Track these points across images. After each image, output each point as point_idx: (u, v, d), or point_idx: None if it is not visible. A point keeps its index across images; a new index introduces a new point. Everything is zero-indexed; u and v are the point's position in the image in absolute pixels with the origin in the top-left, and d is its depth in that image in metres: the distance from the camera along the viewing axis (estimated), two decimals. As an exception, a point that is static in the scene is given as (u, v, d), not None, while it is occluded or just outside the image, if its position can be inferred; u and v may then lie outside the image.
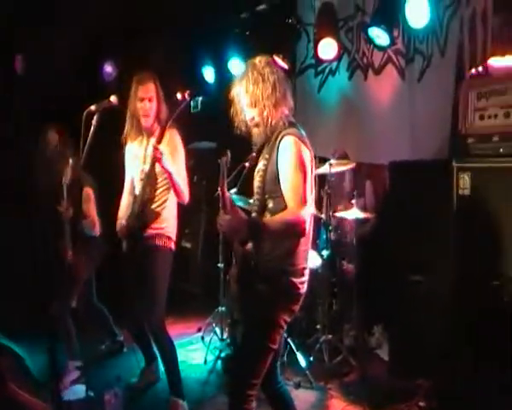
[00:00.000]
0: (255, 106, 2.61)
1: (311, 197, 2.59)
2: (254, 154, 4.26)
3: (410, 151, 4.57)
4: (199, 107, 4.48)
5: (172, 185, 3.56)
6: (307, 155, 2.55)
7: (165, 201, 3.66)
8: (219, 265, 4.72)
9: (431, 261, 3.77)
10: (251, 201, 2.73)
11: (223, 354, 4.40)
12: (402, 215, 4.11)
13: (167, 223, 3.67)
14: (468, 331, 3.31)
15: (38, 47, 5.27)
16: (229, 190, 4.53)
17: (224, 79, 5.74)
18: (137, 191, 3.68)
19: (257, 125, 2.64)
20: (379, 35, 4.48)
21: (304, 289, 2.62)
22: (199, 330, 5.05)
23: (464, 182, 3.52)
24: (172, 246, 3.69)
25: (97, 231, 4.28)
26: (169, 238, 3.67)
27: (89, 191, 4.24)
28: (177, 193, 3.59)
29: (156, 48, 5.74)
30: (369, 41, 4.65)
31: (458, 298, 3.45)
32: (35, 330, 4.10)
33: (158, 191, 3.64)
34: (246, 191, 3.67)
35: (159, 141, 3.45)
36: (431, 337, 3.66)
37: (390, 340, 4.19)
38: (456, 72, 4.20)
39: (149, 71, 3.77)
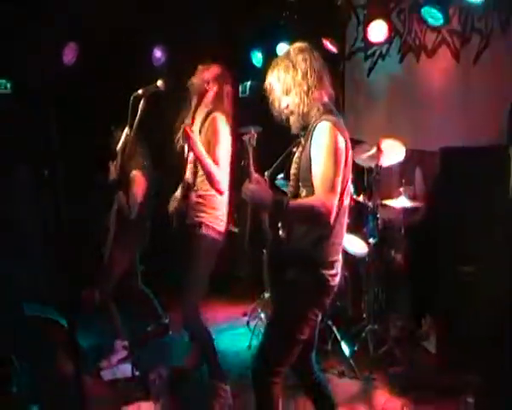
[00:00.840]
0: (287, 94, 2.58)
1: (347, 186, 2.53)
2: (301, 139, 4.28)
3: (464, 138, 4.39)
4: (247, 91, 4.47)
5: (204, 172, 3.41)
6: (342, 143, 2.49)
7: (207, 189, 3.49)
8: (264, 250, 4.69)
9: (482, 252, 3.63)
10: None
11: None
12: (453, 204, 3.98)
13: (209, 211, 3.50)
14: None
15: (89, 33, 5.34)
16: (276, 174, 4.55)
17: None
18: (186, 175, 3.61)
19: (291, 113, 2.61)
20: (433, 14, 4.33)
21: (335, 282, 2.57)
22: (244, 314, 5.05)
23: (522, 169, 3.35)
24: (214, 235, 3.50)
25: (133, 214, 4.18)
26: (209, 227, 3.49)
27: (137, 174, 4.23)
28: (210, 180, 3.40)
29: (207, 33, 5.73)
30: (424, 22, 4.49)
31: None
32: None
33: (199, 178, 3.51)
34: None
35: (192, 121, 3.40)
36: (481, 332, 3.54)
37: (438, 332, 4.07)
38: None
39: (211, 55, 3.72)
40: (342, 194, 2.51)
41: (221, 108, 3.53)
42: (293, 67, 2.55)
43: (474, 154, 3.99)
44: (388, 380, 3.87)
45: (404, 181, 4.19)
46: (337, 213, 2.47)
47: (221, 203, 3.54)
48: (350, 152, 2.55)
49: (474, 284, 3.65)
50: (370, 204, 4.32)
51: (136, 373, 3.92)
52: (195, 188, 3.53)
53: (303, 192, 2.54)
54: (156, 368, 3.93)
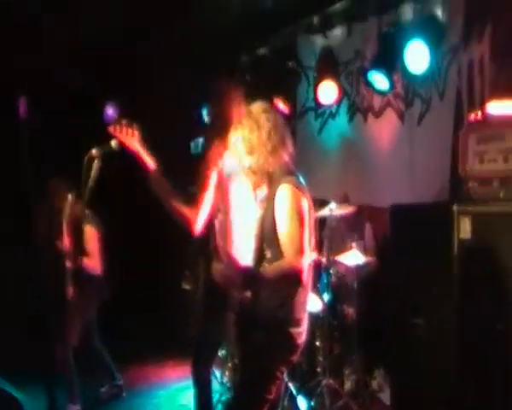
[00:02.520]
0: (251, 153, 2.60)
1: (310, 245, 2.57)
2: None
3: (410, 194, 4.59)
4: (199, 149, 4.54)
5: None
6: (305, 204, 2.54)
7: None
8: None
9: (432, 304, 3.75)
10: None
11: (223, 398, 4.35)
12: (402, 258, 4.10)
13: None
14: (472, 377, 3.29)
15: (39, 88, 5.33)
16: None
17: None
18: None
19: (254, 173, 2.64)
20: (379, 79, 4.57)
21: (302, 339, 2.60)
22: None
23: (465, 225, 3.52)
24: None
25: (99, 270, 4.26)
26: None
27: (91, 229, 4.24)
28: None
29: (158, 91, 5.83)
30: (369, 85, 4.73)
31: (461, 342, 3.42)
32: (33, 372, 4.10)
33: None
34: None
35: None
36: (433, 382, 3.63)
37: (392, 384, 4.13)
38: (455, 116, 4.26)
39: None
40: (307, 252, 2.53)
41: None
42: (258, 126, 2.58)
43: (420, 210, 4.15)
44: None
45: (356, 236, 4.31)
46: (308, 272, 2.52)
47: None
48: (312, 210, 2.62)
49: (424, 336, 3.76)
50: (324, 260, 4.42)
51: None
52: None
53: (268, 253, 2.55)
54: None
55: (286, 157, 2.66)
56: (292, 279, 2.47)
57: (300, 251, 2.45)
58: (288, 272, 2.46)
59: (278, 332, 2.53)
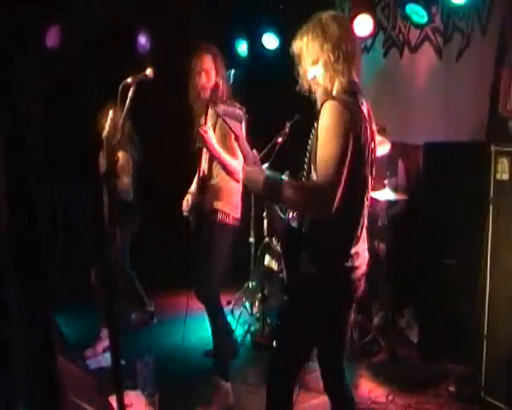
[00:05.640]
0: (315, 63, 2.38)
1: (366, 178, 2.36)
2: (287, 129, 4.29)
3: (444, 132, 4.50)
4: (231, 79, 4.48)
5: (222, 166, 3.48)
6: (349, 125, 2.22)
7: (223, 178, 3.56)
8: (251, 239, 4.74)
9: (464, 246, 3.74)
10: (283, 176, 2.60)
11: (252, 329, 4.46)
12: (435, 197, 4.08)
13: (226, 200, 3.58)
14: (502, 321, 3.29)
15: (71, 17, 5.27)
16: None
17: (258, 54, 5.72)
18: (202, 166, 3.66)
19: (318, 86, 2.42)
20: (416, 12, 4.40)
21: (356, 275, 2.40)
22: (228, 303, 5.06)
23: (503, 166, 3.45)
24: (231, 221, 3.59)
25: (130, 196, 4.29)
26: (226, 214, 3.58)
27: (124, 156, 4.23)
28: (228, 172, 3.48)
29: (191, 20, 5.71)
30: (406, 18, 4.57)
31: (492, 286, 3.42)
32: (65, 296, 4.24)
33: (215, 167, 3.57)
34: (278, 167, 3.66)
35: (205, 120, 3.43)
36: (461, 322, 3.66)
37: (420, 322, 4.18)
38: (497, 52, 4.10)
39: (205, 42, 3.66)
40: (356, 181, 2.29)
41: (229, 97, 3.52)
42: (325, 34, 2.34)
43: (456, 149, 4.08)
44: (372, 369, 3.97)
45: (388, 173, 4.26)
46: (358, 204, 2.36)
47: (237, 190, 3.62)
48: (367, 133, 2.32)
49: (456, 277, 3.77)
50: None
51: (123, 362, 3.93)
52: (212, 178, 3.58)
53: (314, 177, 2.34)
54: (142, 357, 3.94)
55: (353, 76, 2.37)
56: (315, 203, 2.23)
57: (332, 174, 2.17)
58: (311, 193, 2.24)
59: (327, 264, 2.37)
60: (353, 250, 2.38)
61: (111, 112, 3.79)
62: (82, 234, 5.66)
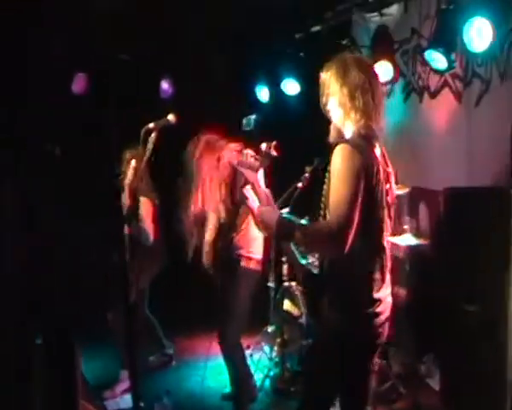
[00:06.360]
0: (334, 98, 2.41)
1: (383, 220, 2.36)
2: (307, 174, 4.33)
3: (466, 178, 4.49)
4: (252, 125, 4.56)
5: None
6: (360, 166, 2.23)
7: (246, 228, 3.69)
8: (270, 283, 4.74)
9: (486, 292, 3.69)
10: (303, 221, 2.60)
11: (271, 373, 4.42)
12: (457, 242, 4.04)
13: (249, 245, 3.69)
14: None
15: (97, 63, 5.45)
16: (280, 209, 4.64)
17: (279, 100, 5.82)
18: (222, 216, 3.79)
19: (332, 121, 2.48)
20: (437, 58, 4.45)
21: (380, 320, 2.38)
22: (248, 347, 5.03)
23: (524, 211, 3.43)
24: (254, 266, 3.70)
25: (151, 240, 4.33)
26: (249, 259, 3.69)
27: (145, 201, 4.30)
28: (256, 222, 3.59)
29: (212, 66, 5.85)
30: (427, 64, 4.62)
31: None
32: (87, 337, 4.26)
33: (239, 218, 3.69)
34: (299, 212, 3.69)
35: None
36: (484, 369, 3.58)
37: (441, 370, 4.10)
38: (516, 98, 4.13)
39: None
40: (372, 223, 2.31)
41: None
42: (345, 78, 2.36)
43: (477, 195, 4.06)
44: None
45: (408, 218, 4.26)
46: (376, 245, 2.36)
47: (259, 235, 3.70)
48: (380, 176, 2.32)
49: (479, 323, 3.70)
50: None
51: (141, 404, 3.92)
52: (236, 228, 3.69)
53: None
54: (161, 399, 3.94)
55: (371, 121, 2.38)
56: (327, 244, 2.24)
57: (344, 216, 2.18)
58: (323, 235, 2.24)
59: (350, 308, 2.36)
60: (376, 295, 2.36)
61: (133, 161, 3.93)
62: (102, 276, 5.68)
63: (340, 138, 2.41)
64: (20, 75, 4.84)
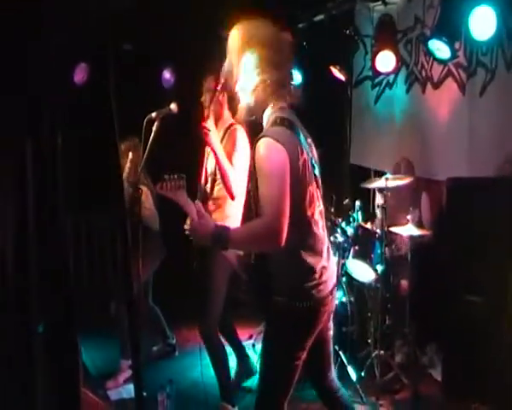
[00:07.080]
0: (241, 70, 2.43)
1: (310, 196, 2.38)
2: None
3: (468, 168, 4.48)
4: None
5: (220, 172, 3.49)
6: (283, 157, 2.25)
7: (223, 196, 3.58)
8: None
9: (488, 282, 3.68)
10: None
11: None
12: (459, 233, 4.03)
13: (225, 220, 3.52)
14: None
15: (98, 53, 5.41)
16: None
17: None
18: (202, 183, 3.74)
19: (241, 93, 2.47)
20: (440, 48, 4.40)
21: (323, 292, 2.42)
22: (250, 337, 5.05)
23: (528, 201, 3.42)
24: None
25: (157, 223, 4.33)
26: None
27: (146, 190, 4.28)
28: (224, 182, 3.49)
29: (214, 53, 5.81)
30: (429, 54, 4.58)
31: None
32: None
33: (217, 187, 3.62)
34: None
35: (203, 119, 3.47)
36: (487, 359, 3.58)
37: (443, 360, 4.10)
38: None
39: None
40: (302, 206, 2.35)
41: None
42: (255, 42, 2.41)
43: (480, 185, 4.04)
44: (395, 406, 3.91)
45: (411, 209, 4.24)
46: (305, 225, 2.38)
47: (236, 212, 3.60)
48: (307, 163, 2.36)
49: (481, 313, 3.70)
50: (378, 231, 4.39)
51: (144, 394, 3.93)
52: (213, 196, 3.63)
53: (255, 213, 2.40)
54: (164, 388, 3.94)
55: (285, 98, 2.44)
56: (266, 241, 2.26)
57: (276, 210, 2.21)
58: (260, 234, 2.26)
59: (293, 289, 2.39)
60: (314, 267, 2.40)
61: (130, 153, 3.94)
62: (105, 264, 5.70)
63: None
64: (20, 65, 4.81)
